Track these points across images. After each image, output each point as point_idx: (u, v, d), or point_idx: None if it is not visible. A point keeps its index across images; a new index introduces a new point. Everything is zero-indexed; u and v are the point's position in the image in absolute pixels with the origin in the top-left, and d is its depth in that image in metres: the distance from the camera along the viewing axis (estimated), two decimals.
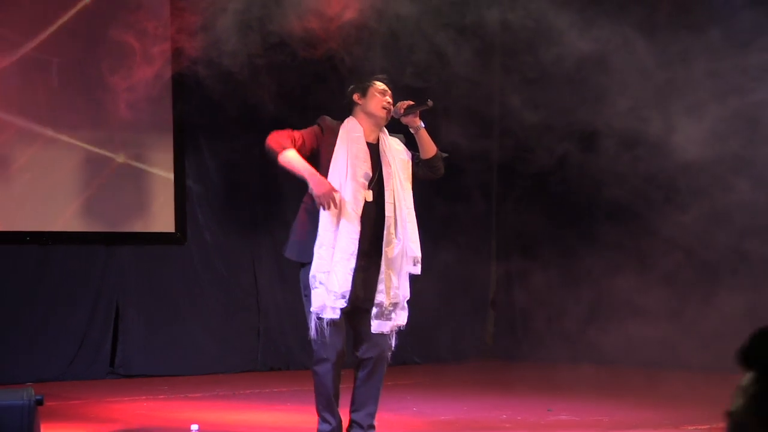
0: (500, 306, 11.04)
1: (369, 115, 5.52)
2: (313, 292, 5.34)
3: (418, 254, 5.50)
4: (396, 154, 5.55)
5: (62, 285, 8.94)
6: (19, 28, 8.68)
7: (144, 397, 7.93)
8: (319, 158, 5.43)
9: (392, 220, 5.43)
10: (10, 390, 4.69)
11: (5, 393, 4.60)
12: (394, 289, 5.44)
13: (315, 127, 5.52)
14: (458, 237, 10.43)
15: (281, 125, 8.91)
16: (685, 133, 7.92)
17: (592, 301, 9.99)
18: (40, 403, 4.53)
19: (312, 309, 5.35)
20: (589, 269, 9.88)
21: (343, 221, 5.33)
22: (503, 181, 10.97)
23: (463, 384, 9.07)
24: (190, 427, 5.02)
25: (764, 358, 1.72)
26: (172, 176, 9.34)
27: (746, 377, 1.73)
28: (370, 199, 5.43)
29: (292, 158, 5.35)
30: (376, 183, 5.46)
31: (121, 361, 9.12)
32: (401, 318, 5.50)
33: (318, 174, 5.34)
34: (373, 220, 5.43)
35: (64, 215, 8.95)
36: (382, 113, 5.51)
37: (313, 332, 5.37)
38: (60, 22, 8.82)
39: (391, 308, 5.44)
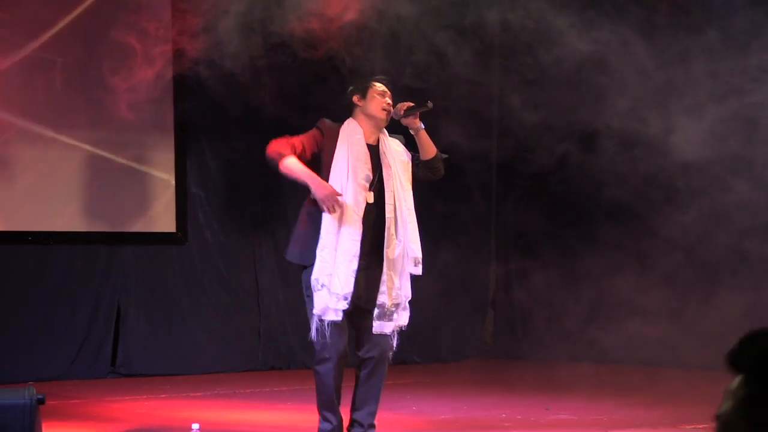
0: (500, 305, 11.05)
1: (369, 116, 5.53)
2: (315, 295, 5.35)
3: (419, 255, 5.51)
4: (396, 155, 5.56)
5: (64, 285, 8.95)
6: (20, 29, 8.69)
7: (145, 397, 7.94)
8: (321, 161, 5.44)
9: (392, 221, 5.45)
10: (11, 389, 4.70)
11: (7, 392, 4.61)
12: (396, 290, 5.46)
13: (315, 131, 5.52)
14: (458, 237, 10.44)
15: (282, 125, 8.95)
16: (685, 134, 7.93)
17: (591, 300, 9.99)
18: (41, 402, 4.54)
19: (314, 311, 5.36)
20: (588, 269, 9.88)
21: (344, 223, 5.35)
22: (503, 181, 10.98)
23: (462, 383, 9.08)
24: (191, 426, 5.03)
25: (753, 361, 1.74)
26: (173, 177, 9.36)
27: (735, 380, 1.75)
28: (371, 200, 5.45)
29: (292, 165, 5.36)
30: (377, 184, 5.48)
31: (122, 361, 9.13)
32: (403, 318, 5.52)
33: (319, 178, 5.35)
34: (374, 222, 5.44)
35: (65, 215, 8.97)
36: (382, 115, 5.51)
37: (313, 334, 5.38)
38: (61, 23, 8.83)
39: (393, 309, 5.46)
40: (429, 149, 5.57)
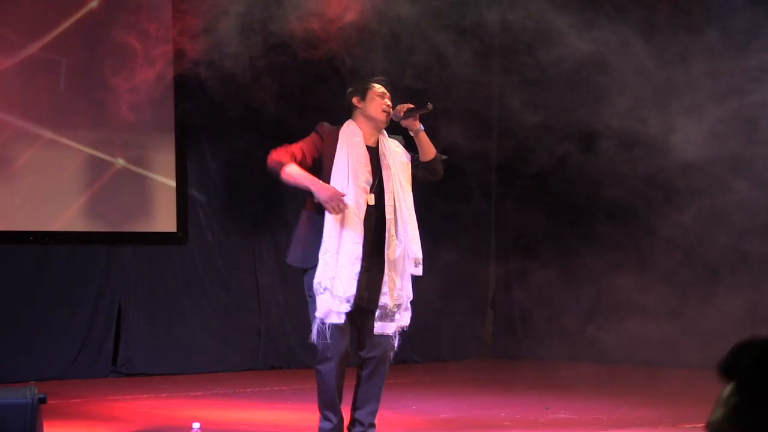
0: (500, 305, 11.06)
1: (369, 118, 5.52)
2: (318, 298, 5.35)
3: (419, 255, 5.52)
4: (396, 156, 5.56)
5: (65, 284, 8.97)
6: (22, 29, 8.70)
7: (146, 396, 7.96)
8: (322, 165, 5.44)
9: (392, 223, 5.46)
10: (13, 388, 4.71)
11: (8, 391, 4.62)
12: (398, 291, 5.47)
13: (314, 136, 5.52)
14: (458, 237, 10.45)
15: (282, 126, 9.00)
16: (685, 134, 7.94)
17: (591, 300, 10.00)
18: (42, 401, 4.55)
19: (317, 314, 5.37)
20: (588, 269, 9.89)
21: (346, 227, 5.35)
22: (503, 181, 10.99)
23: (462, 382, 9.09)
24: (191, 425, 5.04)
25: (745, 369, 1.76)
26: (173, 177, 9.37)
27: (727, 388, 1.77)
28: (372, 202, 5.45)
29: (292, 172, 5.37)
30: (377, 186, 5.48)
31: (123, 360, 9.15)
32: (405, 319, 5.53)
33: (320, 181, 5.36)
34: (375, 223, 5.45)
35: (66, 215, 8.98)
36: (382, 116, 5.51)
37: (314, 336, 5.39)
38: (63, 24, 8.85)
39: (395, 309, 5.47)
40: (429, 151, 5.57)
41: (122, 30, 8.30)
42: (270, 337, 9.78)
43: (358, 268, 5.35)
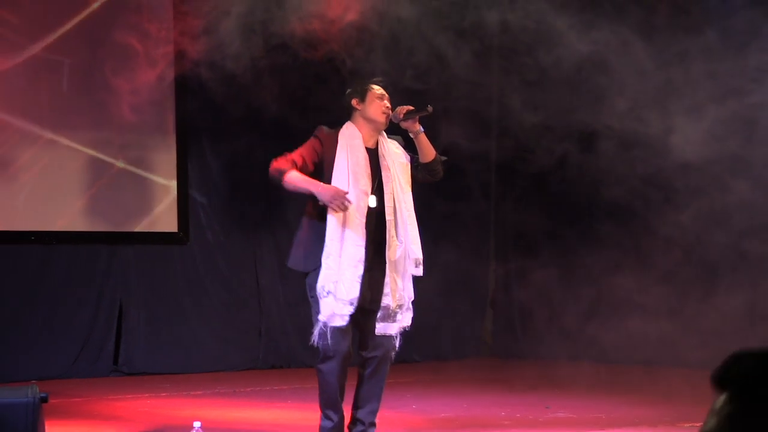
0: (500, 305, 11.08)
1: (369, 120, 5.53)
2: (321, 302, 5.36)
3: (420, 256, 5.53)
4: (395, 157, 5.57)
5: (66, 284, 8.99)
6: (24, 30, 8.72)
7: (147, 395, 7.98)
8: (323, 169, 5.46)
9: (392, 224, 5.47)
10: (14, 387, 4.74)
11: (10, 390, 4.65)
12: (399, 291, 5.49)
13: (314, 141, 5.52)
14: (458, 236, 10.47)
15: (283, 126, 9.03)
16: (684, 134, 7.94)
17: (591, 299, 10.02)
18: (44, 400, 4.57)
19: (320, 318, 5.38)
20: (588, 268, 9.91)
21: (348, 229, 5.36)
22: (503, 181, 11.01)
23: (462, 382, 9.10)
24: (192, 424, 5.06)
25: (738, 379, 1.78)
26: (174, 177, 9.39)
27: (720, 399, 1.79)
28: (373, 204, 5.46)
29: (293, 178, 5.38)
30: (377, 188, 5.50)
31: (124, 359, 9.17)
32: (406, 319, 5.55)
33: (321, 183, 5.37)
34: (375, 224, 5.47)
35: (68, 215, 9.00)
36: (382, 118, 5.52)
37: (316, 339, 5.41)
38: (65, 25, 8.87)
39: (397, 310, 5.49)
40: (428, 152, 5.57)
41: (123, 31, 8.32)
42: (270, 337, 9.80)
43: (360, 270, 5.37)
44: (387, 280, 5.45)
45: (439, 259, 9.51)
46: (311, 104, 9.06)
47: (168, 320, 9.40)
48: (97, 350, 9.07)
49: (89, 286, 9.10)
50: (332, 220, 5.37)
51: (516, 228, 10.80)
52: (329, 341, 5.38)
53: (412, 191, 5.61)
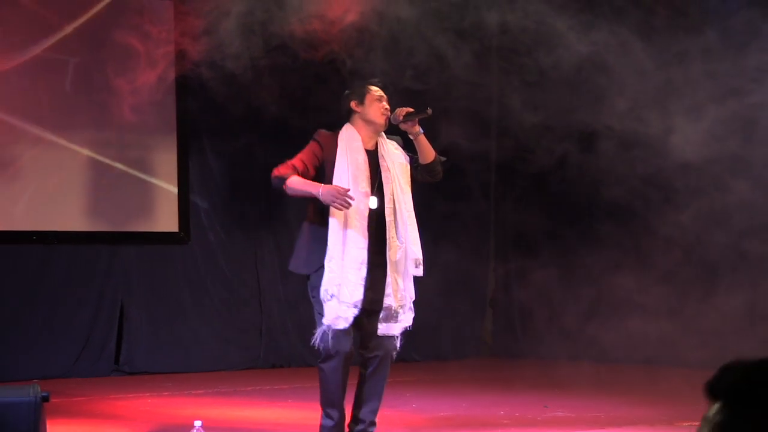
0: (500, 304, 11.10)
1: (368, 122, 5.54)
2: (325, 305, 5.37)
3: (419, 256, 5.54)
4: (395, 158, 5.58)
5: (67, 283, 9.01)
6: (26, 31, 8.74)
7: (148, 394, 8.00)
8: (324, 172, 5.47)
9: (392, 224, 5.48)
10: (16, 387, 4.75)
11: (12, 390, 4.66)
12: (401, 292, 5.51)
13: (314, 145, 5.52)
14: (458, 236, 10.48)
15: (283, 126, 9.05)
16: (684, 134, 7.95)
17: (591, 299, 10.03)
18: (46, 399, 4.58)
19: (324, 321, 5.39)
20: (588, 268, 9.92)
21: (350, 232, 5.38)
22: (503, 181, 11.02)
23: (462, 381, 9.12)
24: (193, 423, 5.08)
25: (730, 389, 1.81)
26: (175, 177, 9.41)
27: (712, 408, 1.82)
28: (374, 206, 5.47)
29: (294, 183, 5.39)
30: (377, 189, 5.51)
31: (125, 359, 9.20)
32: (408, 319, 5.57)
33: (321, 184, 5.38)
34: (376, 225, 5.48)
35: (69, 215, 9.02)
36: (382, 120, 5.52)
37: (318, 340, 5.43)
38: (66, 26, 8.88)
39: (399, 311, 5.51)
40: (428, 153, 5.57)
41: (124, 32, 8.34)
42: (271, 336, 9.82)
43: (364, 273, 5.38)
44: (388, 280, 5.46)
45: (439, 259, 9.53)
46: (311, 104, 9.08)
47: (169, 320, 9.42)
48: (98, 350, 9.09)
49: (90, 285, 9.12)
50: (334, 223, 5.38)
51: (516, 228, 10.81)
52: (331, 342, 5.39)
53: (412, 191, 5.62)
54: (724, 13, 8.64)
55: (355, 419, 5.64)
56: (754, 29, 8.18)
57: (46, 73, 8.86)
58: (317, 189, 5.35)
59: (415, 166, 5.63)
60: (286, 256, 5.74)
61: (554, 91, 8.94)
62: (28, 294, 8.85)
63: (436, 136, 5.81)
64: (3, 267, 8.76)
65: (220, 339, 9.60)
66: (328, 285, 5.37)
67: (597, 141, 8.92)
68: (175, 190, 9.42)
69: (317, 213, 5.46)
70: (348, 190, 5.30)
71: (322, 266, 5.41)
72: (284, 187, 5.40)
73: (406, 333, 5.66)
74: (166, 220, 9.43)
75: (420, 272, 5.58)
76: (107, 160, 9.12)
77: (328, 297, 5.37)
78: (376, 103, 5.53)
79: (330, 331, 5.39)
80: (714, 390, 1.82)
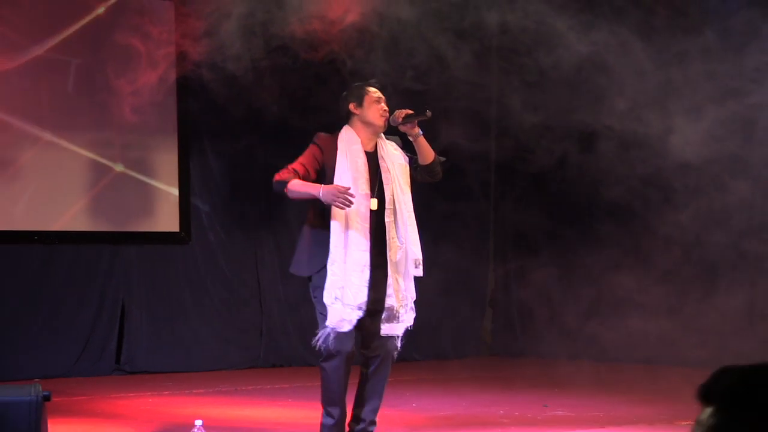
0: (500, 304, 11.11)
1: (367, 124, 5.53)
2: (329, 309, 5.37)
3: (419, 256, 5.54)
4: (394, 159, 5.58)
5: (68, 283, 9.03)
6: (27, 32, 8.75)
7: (149, 393, 8.01)
8: (325, 176, 5.48)
9: (392, 225, 5.49)
10: (17, 386, 4.76)
11: (13, 389, 4.67)
12: (402, 292, 5.52)
13: (313, 148, 5.53)
14: (458, 236, 10.50)
15: (284, 126, 9.06)
16: (683, 134, 7.96)
17: (591, 298, 10.05)
18: (47, 398, 4.59)
19: (328, 324, 5.40)
20: (588, 268, 9.93)
21: (351, 234, 5.39)
22: (502, 180, 11.04)
23: (462, 380, 9.12)
24: (194, 422, 5.10)
25: (724, 393, 1.83)
26: (176, 177, 9.43)
27: (705, 411, 1.84)
28: (375, 207, 5.48)
29: (295, 186, 5.39)
30: (377, 190, 5.52)
31: (126, 358, 9.21)
32: (409, 319, 5.58)
33: (321, 185, 5.39)
34: (377, 226, 5.49)
35: (70, 215, 9.04)
36: (381, 122, 5.52)
37: (320, 342, 5.44)
38: (68, 27, 8.90)
39: (401, 311, 5.53)
40: (428, 154, 5.57)
41: (125, 33, 8.35)
42: (271, 336, 9.84)
43: (367, 275, 5.39)
44: (389, 281, 5.47)
45: (439, 259, 9.54)
46: (312, 105, 9.09)
47: (170, 319, 9.44)
48: (99, 349, 9.11)
49: (92, 285, 9.14)
50: (335, 226, 5.39)
51: (516, 228, 10.82)
52: (334, 342, 5.41)
53: (412, 192, 5.63)
54: (724, 13, 8.66)
55: (356, 418, 5.65)
56: (754, 30, 8.20)
57: (47, 73, 8.88)
58: (318, 190, 5.36)
59: (415, 167, 5.64)
60: (287, 256, 5.76)
61: (554, 91, 8.95)
62: (29, 294, 8.87)
63: (436, 137, 5.82)
64: (4, 267, 8.78)
65: (221, 339, 9.61)
66: (331, 288, 5.38)
67: (597, 141, 8.93)
68: (176, 190, 9.43)
69: (318, 216, 5.47)
70: (348, 189, 5.31)
71: (324, 267, 5.42)
72: (286, 190, 5.41)
73: (406, 332, 5.67)
74: (166, 220, 9.45)
75: (420, 272, 5.59)
76: (108, 161, 9.14)
77: (333, 300, 5.38)
78: (374, 105, 5.53)
79: (333, 333, 5.40)
80: (708, 394, 1.84)
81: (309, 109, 8.99)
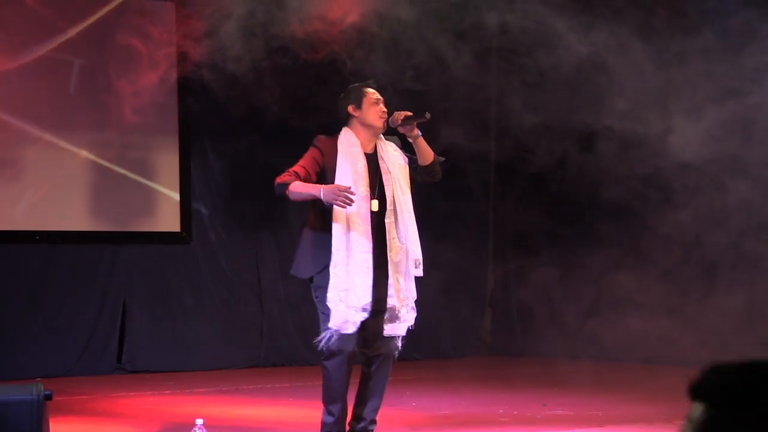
0: (500, 304, 11.13)
1: (366, 126, 5.55)
2: (333, 310, 5.39)
3: (419, 256, 5.56)
4: (394, 159, 5.60)
5: (70, 283, 9.05)
6: (28, 32, 8.77)
7: (150, 392, 8.03)
8: (325, 178, 5.50)
9: (393, 225, 5.51)
10: (19, 385, 4.77)
11: (15, 388, 4.69)
12: (403, 292, 5.54)
13: (314, 151, 5.55)
14: (458, 236, 10.51)
15: (284, 127, 9.08)
16: (683, 134, 7.97)
17: (590, 298, 10.06)
18: (48, 398, 4.60)
19: (331, 325, 5.42)
20: (588, 267, 9.95)
21: (353, 236, 5.40)
22: (502, 180, 11.05)
23: (462, 380, 9.13)
24: (194, 422, 5.11)
25: (714, 391, 1.84)
26: (177, 177, 9.45)
27: (695, 408, 1.85)
28: (376, 209, 5.49)
29: (296, 187, 5.41)
30: (378, 191, 5.54)
31: (127, 358, 9.23)
32: (411, 318, 5.60)
33: (321, 185, 5.41)
34: (377, 227, 5.50)
35: (72, 215, 9.05)
36: (380, 123, 5.53)
37: (323, 343, 5.46)
38: (70, 28, 8.91)
39: (402, 310, 5.55)
40: (427, 155, 5.59)
41: (127, 33, 8.37)
42: (272, 335, 9.85)
43: (370, 277, 5.41)
44: (391, 281, 5.49)
45: (439, 259, 9.55)
46: (312, 105, 9.10)
47: (171, 319, 9.46)
48: (100, 348, 9.13)
49: (93, 285, 9.16)
50: (337, 228, 5.41)
51: (516, 228, 10.83)
52: (336, 342, 5.43)
53: (411, 192, 5.64)
54: (723, 13, 8.66)
55: (357, 417, 5.67)
56: (753, 30, 8.20)
57: (49, 73, 8.90)
58: (318, 190, 5.38)
59: (414, 167, 5.65)
60: (287, 255, 5.78)
61: (554, 92, 8.96)
62: (30, 293, 8.88)
63: (436, 137, 5.83)
64: (6, 266, 8.80)
65: (222, 338, 9.63)
66: (334, 290, 5.40)
67: (597, 141, 8.94)
68: (176, 190, 9.45)
69: (318, 218, 5.49)
70: (349, 188, 5.32)
71: (326, 267, 5.44)
72: (287, 192, 5.43)
73: (407, 332, 5.69)
74: (167, 220, 9.47)
75: (420, 272, 5.61)
76: (109, 161, 9.15)
77: (337, 302, 5.39)
78: (373, 106, 5.55)
79: (336, 334, 5.42)
80: (699, 391, 1.85)
81: (309, 110, 9.00)
